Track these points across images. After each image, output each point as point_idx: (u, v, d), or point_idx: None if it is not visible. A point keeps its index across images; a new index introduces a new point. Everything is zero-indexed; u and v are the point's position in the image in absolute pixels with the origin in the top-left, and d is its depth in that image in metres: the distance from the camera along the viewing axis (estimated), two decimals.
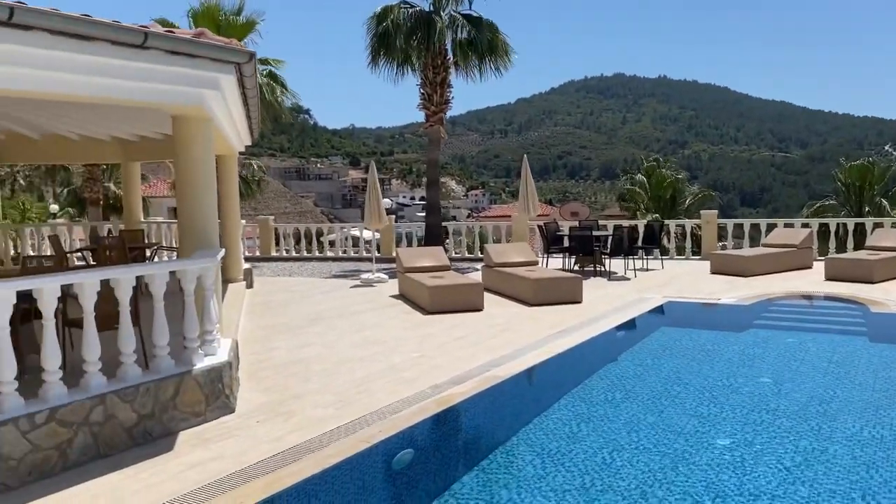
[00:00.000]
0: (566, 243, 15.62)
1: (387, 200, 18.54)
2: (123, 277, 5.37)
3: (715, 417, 5.86)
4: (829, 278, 13.08)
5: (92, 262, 12.57)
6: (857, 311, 10.42)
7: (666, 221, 18.19)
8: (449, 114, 19.32)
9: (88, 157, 18.94)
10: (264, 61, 19.07)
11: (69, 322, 6.30)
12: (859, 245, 15.86)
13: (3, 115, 11.71)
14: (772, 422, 5.69)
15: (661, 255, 16.69)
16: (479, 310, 10.75)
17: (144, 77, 5.59)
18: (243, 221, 15.87)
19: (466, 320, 10.04)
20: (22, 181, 36.49)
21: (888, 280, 12.64)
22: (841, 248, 16.82)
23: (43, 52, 4.84)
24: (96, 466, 4.84)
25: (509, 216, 20.21)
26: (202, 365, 5.79)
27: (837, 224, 17.29)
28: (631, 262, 15.18)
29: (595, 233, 15.47)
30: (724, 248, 17.55)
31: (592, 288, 12.71)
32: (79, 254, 14.05)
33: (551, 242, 15.79)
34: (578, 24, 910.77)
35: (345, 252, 20.23)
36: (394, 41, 18.07)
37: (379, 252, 18.22)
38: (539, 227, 16.67)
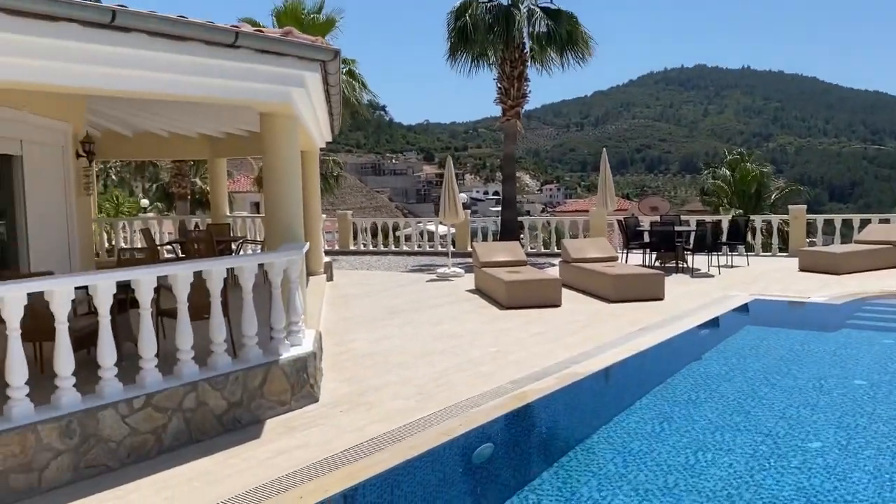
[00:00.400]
0: (646, 238, 15.31)
1: (462, 195, 18.57)
2: (215, 269, 5.58)
3: (805, 420, 5.64)
4: None
5: (181, 255, 13.08)
6: None
7: (751, 217, 17.55)
8: (524, 107, 19.19)
9: (177, 154, 19.78)
10: (343, 60, 19.39)
11: (161, 312, 6.59)
12: None
13: (100, 114, 12.34)
14: (867, 426, 5.43)
15: (746, 251, 16.15)
16: (557, 305, 10.66)
17: (235, 76, 5.77)
18: (323, 216, 16.20)
19: (544, 316, 9.97)
20: (114, 176, 38.30)
21: None
22: None
23: (140, 53, 5.06)
24: (189, 451, 5.05)
25: (586, 211, 19.94)
26: (288, 355, 5.95)
27: None
28: (714, 258, 14.74)
29: (677, 228, 15.08)
30: (812, 244, 16.81)
31: (675, 285, 12.41)
32: (168, 247, 14.62)
33: (631, 238, 15.50)
34: (658, 14, 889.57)
35: (420, 247, 20.41)
36: (472, 35, 18.06)
37: (454, 247, 18.30)
38: (618, 221, 16.39)
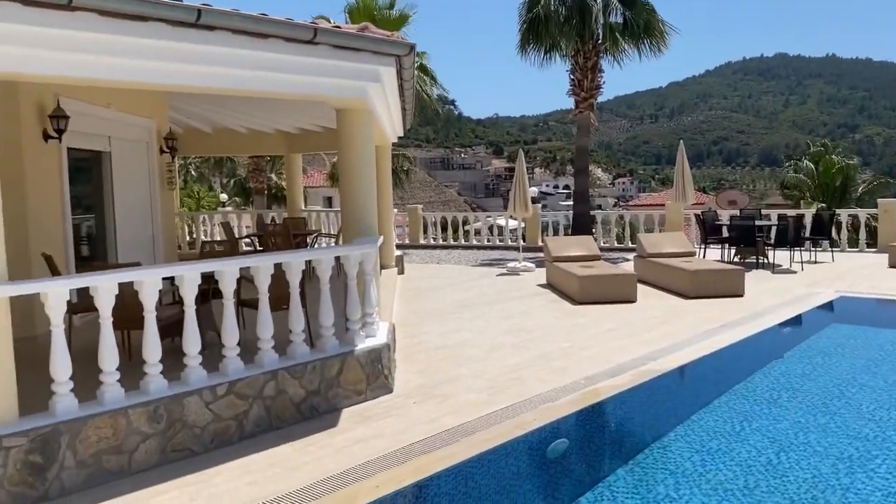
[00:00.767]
0: (725, 233, 14.85)
1: (532, 189, 18.44)
2: (295, 262, 5.71)
3: None
4: None
5: (259, 248, 13.44)
6: None
7: (837, 211, 16.80)
8: (597, 99, 18.88)
9: (254, 149, 20.33)
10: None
11: (242, 302, 6.79)
12: None
13: (182, 111, 12.80)
14: None
15: (832, 246, 15.49)
16: (632, 301, 10.47)
17: (313, 72, 5.88)
18: (394, 210, 16.38)
19: (618, 311, 9.81)
20: (193, 172, 39.71)
21: None
22: None
23: (225, 51, 5.20)
24: (269, 438, 5.19)
25: (661, 204, 19.51)
26: (363, 346, 6.05)
27: None
28: (797, 254, 14.19)
29: (758, 222, 14.58)
30: None
31: (755, 281, 12.01)
32: (247, 239, 15.05)
33: (709, 232, 15.07)
34: (736, 2, 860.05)
35: (489, 241, 20.38)
36: (544, 27, 17.89)
37: (524, 241, 18.19)
38: (696, 215, 15.96)
